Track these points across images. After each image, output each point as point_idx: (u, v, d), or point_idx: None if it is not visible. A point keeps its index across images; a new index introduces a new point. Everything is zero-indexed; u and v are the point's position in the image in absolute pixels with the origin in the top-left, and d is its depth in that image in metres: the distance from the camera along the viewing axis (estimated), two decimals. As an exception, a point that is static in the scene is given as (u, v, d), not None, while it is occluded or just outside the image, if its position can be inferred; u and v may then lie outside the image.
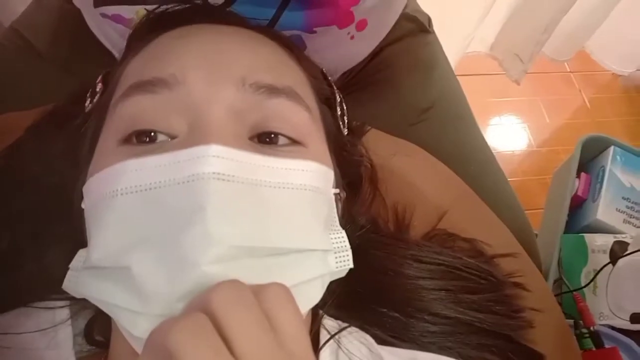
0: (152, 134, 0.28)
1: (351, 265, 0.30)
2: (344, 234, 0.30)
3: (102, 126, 0.32)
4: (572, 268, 0.64)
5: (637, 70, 1.42)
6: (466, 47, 1.19)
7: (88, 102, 0.36)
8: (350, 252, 0.30)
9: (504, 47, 1.24)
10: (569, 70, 1.50)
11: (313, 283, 0.28)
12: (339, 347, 0.32)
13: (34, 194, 0.36)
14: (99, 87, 0.36)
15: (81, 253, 0.29)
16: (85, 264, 0.27)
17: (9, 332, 0.31)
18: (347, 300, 0.36)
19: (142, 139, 0.28)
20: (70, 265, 0.29)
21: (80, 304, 0.34)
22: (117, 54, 0.52)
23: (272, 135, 0.29)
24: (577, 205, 0.73)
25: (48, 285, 0.33)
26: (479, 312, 0.37)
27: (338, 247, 0.30)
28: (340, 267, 0.29)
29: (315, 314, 0.35)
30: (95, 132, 0.32)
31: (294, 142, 0.30)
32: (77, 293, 0.28)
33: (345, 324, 0.35)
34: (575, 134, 0.93)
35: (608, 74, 1.48)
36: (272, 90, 0.30)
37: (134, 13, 0.44)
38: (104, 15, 0.46)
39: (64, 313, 0.33)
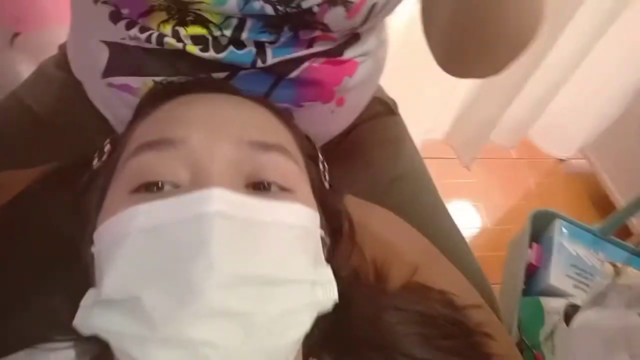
0: (160, 184, 0.32)
1: (336, 297, 0.33)
2: (329, 269, 0.34)
3: (110, 181, 0.35)
4: (530, 329, 0.68)
5: (575, 155, 1.59)
6: (425, 135, 1.33)
7: (96, 161, 0.40)
8: (335, 285, 0.33)
9: (456, 136, 1.39)
10: (515, 157, 1.64)
11: (302, 312, 0.31)
12: None
13: (38, 245, 0.38)
14: (107, 147, 0.40)
15: (90, 292, 0.31)
16: (96, 299, 0.29)
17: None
18: (338, 348, 0.39)
19: (150, 188, 0.32)
20: (81, 304, 0.31)
21: (83, 346, 0.35)
22: (115, 123, 0.56)
23: (265, 184, 0.33)
24: (532, 272, 0.79)
25: (52, 328, 0.35)
26: (454, 356, 0.40)
27: (324, 280, 0.33)
28: (327, 298, 0.32)
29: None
30: (104, 186, 0.35)
31: (283, 189, 0.34)
32: (87, 329, 0.30)
33: None
34: (524, 214, 1.02)
35: (551, 160, 1.63)
36: (265, 146, 0.34)
37: (142, 83, 0.49)
38: (111, 85, 0.51)
39: (70, 355, 0.34)
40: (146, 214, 0.29)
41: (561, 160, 1.64)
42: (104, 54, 0.50)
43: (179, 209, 0.29)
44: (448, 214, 0.65)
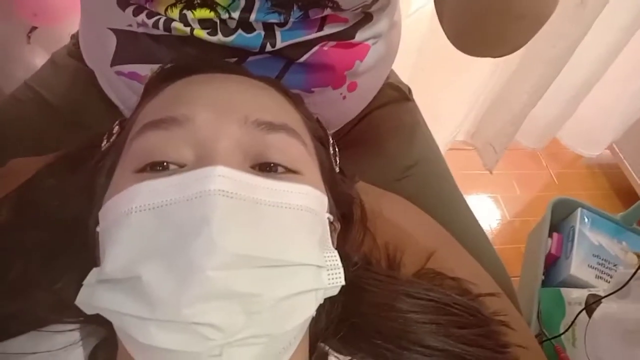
0: (165, 164, 0.31)
1: (343, 283, 0.32)
2: (336, 253, 0.32)
3: (118, 161, 0.35)
4: (550, 320, 0.66)
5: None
6: (453, 138, 1.31)
7: (105, 142, 0.39)
8: (342, 271, 0.32)
9: (481, 138, 1.36)
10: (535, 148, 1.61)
11: (306, 296, 0.30)
12: None
13: (47, 226, 0.38)
14: (116, 129, 0.39)
15: (94, 271, 0.30)
16: (98, 277, 0.29)
17: (22, 352, 0.32)
18: (348, 335, 0.38)
19: (155, 168, 0.31)
20: (84, 282, 0.30)
21: (89, 328, 0.34)
22: (126, 111, 0.56)
23: (272, 165, 0.32)
24: (552, 263, 0.77)
25: (58, 311, 0.35)
26: (469, 346, 0.39)
27: (331, 265, 0.32)
28: (333, 283, 0.31)
29: (314, 346, 0.37)
30: (112, 166, 0.35)
31: (290, 171, 0.33)
32: (89, 307, 0.29)
33: (348, 357, 0.36)
34: (544, 206, 0.99)
35: (571, 152, 1.59)
36: (271, 127, 0.33)
37: (150, 71, 0.48)
38: (119, 73, 0.51)
39: (75, 336, 0.34)
40: (149, 192, 0.29)
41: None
42: (112, 42, 0.50)
43: (181, 187, 0.28)
44: (464, 201, 0.64)
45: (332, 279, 0.31)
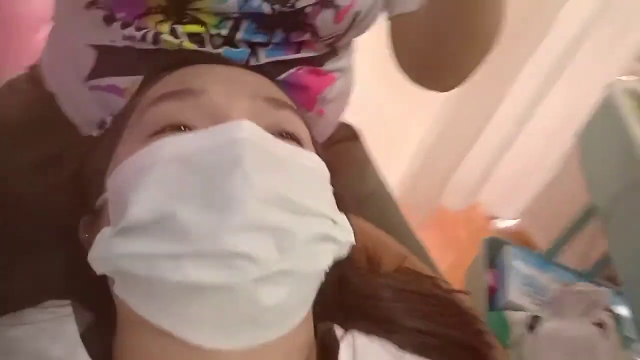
0: (182, 127, 0.32)
1: (353, 243, 0.34)
2: (344, 216, 0.35)
3: (118, 140, 0.35)
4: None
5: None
6: None
7: (96, 132, 0.39)
8: (352, 231, 0.34)
9: (410, 197, 1.46)
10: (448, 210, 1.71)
11: (327, 244, 0.32)
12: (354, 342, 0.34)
13: (27, 217, 0.36)
14: (109, 119, 0.40)
15: (106, 229, 0.29)
16: (120, 226, 0.28)
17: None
18: (338, 322, 0.38)
19: (173, 131, 0.32)
20: (96, 239, 0.29)
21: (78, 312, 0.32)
22: (88, 132, 0.55)
23: (284, 134, 0.34)
24: (491, 295, 0.82)
25: (41, 294, 0.33)
26: (452, 330, 0.41)
27: (342, 223, 0.34)
28: (345, 241, 0.33)
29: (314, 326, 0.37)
30: (112, 145, 0.35)
31: (299, 142, 0.35)
32: (106, 262, 0.28)
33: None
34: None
35: (483, 216, 1.73)
36: (280, 104, 0.36)
37: (131, 83, 0.49)
38: (95, 88, 0.51)
39: (67, 311, 0.31)
40: (175, 145, 0.30)
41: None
42: (89, 58, 0.50)
43: (209, 138, 0.30)
44: (414, 233, 0.68)
45: (344, 236, 0.33)
